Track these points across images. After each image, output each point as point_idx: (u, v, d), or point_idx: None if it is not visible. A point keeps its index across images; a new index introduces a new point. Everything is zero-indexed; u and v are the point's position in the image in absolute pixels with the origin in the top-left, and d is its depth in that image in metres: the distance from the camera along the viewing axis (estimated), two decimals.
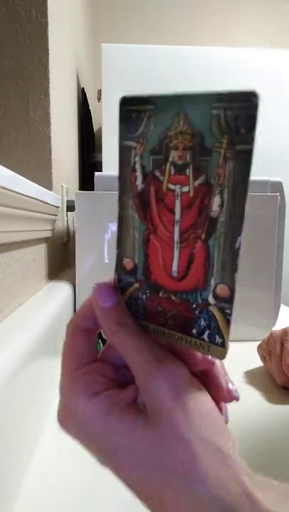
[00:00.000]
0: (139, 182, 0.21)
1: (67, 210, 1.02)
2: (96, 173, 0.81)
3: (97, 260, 0.77)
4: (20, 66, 0.78)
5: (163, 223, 0.21)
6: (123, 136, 0.21)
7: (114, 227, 0.76)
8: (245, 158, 0.17)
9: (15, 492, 0.36)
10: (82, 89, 1.47)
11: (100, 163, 1.56)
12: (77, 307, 0.81)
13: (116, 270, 0.23)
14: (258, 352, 0.66)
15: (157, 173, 0.20)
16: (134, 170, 0.21)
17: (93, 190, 0.79)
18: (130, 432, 0.19)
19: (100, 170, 1.55)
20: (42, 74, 0.78)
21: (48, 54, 0.78)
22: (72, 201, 0.94)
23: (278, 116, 1.68)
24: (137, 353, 0.21)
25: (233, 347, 0.80)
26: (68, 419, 0.21)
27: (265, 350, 0.63)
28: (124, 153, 0.21)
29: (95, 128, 1.70)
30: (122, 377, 0.23)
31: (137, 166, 0.21)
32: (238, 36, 2.29)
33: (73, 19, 1.24)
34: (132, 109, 0.20)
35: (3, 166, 0.45)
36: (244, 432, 0.47)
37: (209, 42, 2.25)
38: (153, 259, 0.22)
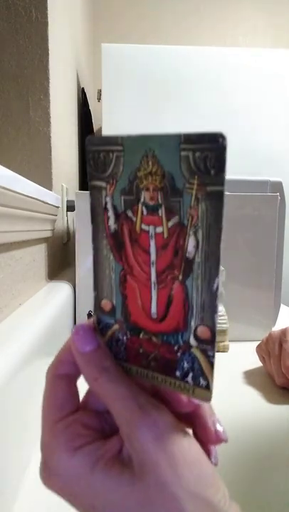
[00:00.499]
0: (111, 222, 0.21)
1: (67, 210, 1.02)
2: None
3: None
4: (20, 66, 0.78)
5: (139, 264, 0.20)
6: (92, 176, 0.21)
7: None
8: (216, 199, 0.17)
9: (15, 492, 0.36)
10: (82, 89, 1.47)
11: None
12: (78, 307, 0.81)
13: (94, 311, 0.23)
14: (257, 352, 0.66)
15: (130, 214, 0.20)
16: (105, 210, 0.21)
17: None
18: (116, 489, 0.18)
19: None
20: (42, 74, 0.78)
21: (48, 54, 0.78)
22: (72, 201, 0.94)
23: (278, 116, 1.68)
24: (119, 401, 0.20)
25: (233, 347, 0.80)
26: (51, 477, 0.20)
27: (264, 350, 0.63)
28: (94, 193, 0.21)
29: (95, 128, 1.70)
30: (106, 425, 0.22)
31: (109, 206, 0.21)
32: (238, 36, 2.29)
33: (73, 19, 1.24)
34: (100, 149, 0.20)
35: (3, 166, 0.45)
36: (243, 432, 0.47)
37: (209, 42, 2.25)
38: (131, 300, 0.21)
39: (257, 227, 0.78)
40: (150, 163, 0.18)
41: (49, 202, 0.71)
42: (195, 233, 0.18)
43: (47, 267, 0.81)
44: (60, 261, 0.98)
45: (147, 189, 0.19)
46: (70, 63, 1.14)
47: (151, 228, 0.19)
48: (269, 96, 1.66)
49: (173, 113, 1.62)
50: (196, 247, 0.18)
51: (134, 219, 0.20)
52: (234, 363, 0.69)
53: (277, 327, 0.83)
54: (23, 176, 0.53)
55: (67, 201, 1.00)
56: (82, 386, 0.23)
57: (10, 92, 0.78)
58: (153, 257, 0.20)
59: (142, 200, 0.19)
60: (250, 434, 0.47)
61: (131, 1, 2.20)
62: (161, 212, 0.19)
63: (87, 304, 0.79)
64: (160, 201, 0.19)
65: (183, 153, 0.17)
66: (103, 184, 0.21)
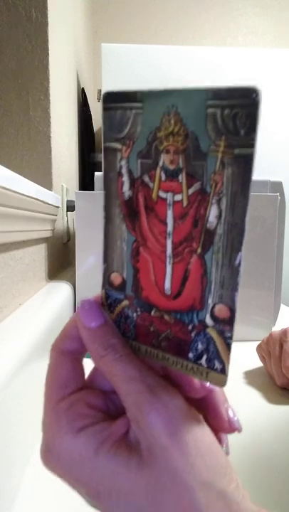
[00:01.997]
0: (126, 188, 0.19)
1: (67, 210, 1.02)
2: (96, 173, 0.81)
3: (97, 260, 0.77)
4: (20, 66, 0.78)
5: (154, 235, 0.19)
6: (107, 137, 0.19)
7: None
8: (245, 164, 0.15)
9: (15, 492, 0.36)
10: (82, 89, 1.47)
11: (100, 163, 1.56)
12: (77, 307, 0.81)
13: (103, 285, 0.21)
14: (258, 352, 0.65)
15: (146, 179, 0.18)
16: (120, 175, 0.19)
17: (93, 190, 0.79)
18: (123, 474, 0.17)
19: (100, 170, 1.55)
20: (42, 74, 0.78)
21: (48, 54, 0.78)
22: (72, 201, 0.94)
23: (278, 116, 1.68)
24: (127, 382, 0.18)
25: (233, 347, 0.80)
26: (52, 459, 0.19)
27: (265, 350, 0.63)
28: (108, 155, 0.19)
29: (95, 128, 1.70)
30: (112, 405, 0.21)
31: (124, 171, 0.19)
32: (238, 36, 2.29)
33: (73, 19, 1.24)
34: (117, 106, 0.18)
35: (3, 166, 0.45)
36: (243, 432, 0.47)
37: (209, 42, 2.25)
38: (143, 274, 0.19)
39: (257, 227, 0.78)
40: (172, 121, 0.16)
41: (49, 202, 0.71)
42: (218, 202, 0.16)
43: (47, 267, 0.81)
44: (60, 261, 0.98)
45: (168, 151, 0.17)
46: (70, 63, 1.14)
47: (169, 195, 0.18)
48: (269, 96, 1.66)
49: None
50: (219, 217, 0.16)
51: (151, 185, 0.18)
52: (234, 363, 0.68)
53: (278, 327, 0.83)
54: (23, 176, 0.53)
55: (67, 201, 1.00)
56: (88, 363, 0.22)
57: (10, 92, 0.78)
58: (170, 227, 0.18)
59: (160, 164, 0.17)
60: (250, 434, 0.47)
61: (131, 1, 2.20)
62: (182, 177, 0.17)
63: None
64: (181, 165, 0.17)
65: (210, 110, 0.15)
66: (118, 146, 0.19)
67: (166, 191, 0.18)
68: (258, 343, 0.66)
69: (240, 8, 2.26)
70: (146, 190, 0.18)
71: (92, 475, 0.18)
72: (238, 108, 0.15)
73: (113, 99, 0.18)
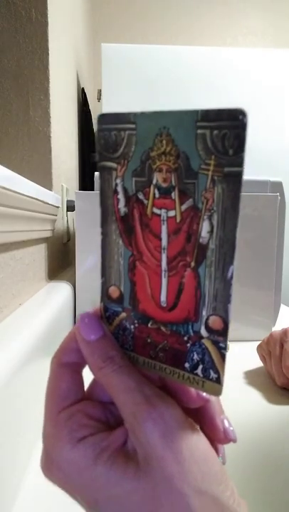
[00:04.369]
0: (121, 205, 0.20)
1: (67, 210, 1.02)
2: (96, 173, 0.81)
3: (97, 260, 0.76)
4: (20, 66, 0.78)
5: (149, 250, 0.19)
6: (102, 157, 0.20)
7: None
8: (234, 181, 0.16)
9: (15, 492, 0.36)
10: (82, 89, 1.47)
11: None
12: (77, 307, 0.81)
13: (101, 298, 0.22)
14: (258, 352, 0.65)
15: (141, 196, 0.19)
16: (115, 192, 0.20)
17: (93, 190, 0.79)
18: (120, 483, 0.18)
19: None
20: (42, 74, 0.78)
21: (48, 54, 0.78)
22: (72, 201, 0.94)
23: (278, 116, 1.68)
24: (124, 393, 0.19)
25: (233, 347, 0.79)
26: (52, 469, 0.20)
27: (265, 350, 0.63)
28: (104, 174, 0.20)
29: (95, 128, 1.70)
30: (110, 416, 0.21)
31: (119, 189, 0.20)
32: (238, 36, 2.29)
33: (73, 19, 1.24)
34: (111, 127, 0.19)
35: (3, 166, 0.45)
36: (243, 432, 0.47)
37: (209, 42, 2.25)
38: (140, 287, 0.20)
39: (257, 227, 0.78)
40: (164, 142, 0.17)
41: (49, 202, 0.71)
42: (210, 217, 0.17)
43: (47, 267, 0.81)
44: (60, 261, 0.98)
45: (160, 170, 0.18)
46: (70, 63, 1.14)
47: (163, 212, 0.18)
48: (269, 96, 1.66)
49: None
50: (211, 232, 0.17)
51: (145, 202, 0.19)
52: (234, 363, 0.68)
53: (278, 327, 0.83)
54: (23, 176, 0.53)
55: (67, 201, 1.00)
56: (88, 375, 0.22)
57: (10, 91, 0.78)
58: (164, 242, 0.19)
59: (154, 181, 0.18)
60: (251, 434, 0.47)
61: (131, 0, 2.20)
62: (175, 194, 0.18)
63: (87, 303, 0.79)
64: (173, 183, 0.18)
65: (199, 131, 0.16)
66: (113, 165, 0.19)
67: (160, 208, 0.19)
68: (258, 343, 0.66)
69: (240, 8, 2.26)
70: (141, 206, 0.19)
71: (90, 484, 0.18)
72: (227, 129, 0.16)
73: (107, 121, 0.19)
